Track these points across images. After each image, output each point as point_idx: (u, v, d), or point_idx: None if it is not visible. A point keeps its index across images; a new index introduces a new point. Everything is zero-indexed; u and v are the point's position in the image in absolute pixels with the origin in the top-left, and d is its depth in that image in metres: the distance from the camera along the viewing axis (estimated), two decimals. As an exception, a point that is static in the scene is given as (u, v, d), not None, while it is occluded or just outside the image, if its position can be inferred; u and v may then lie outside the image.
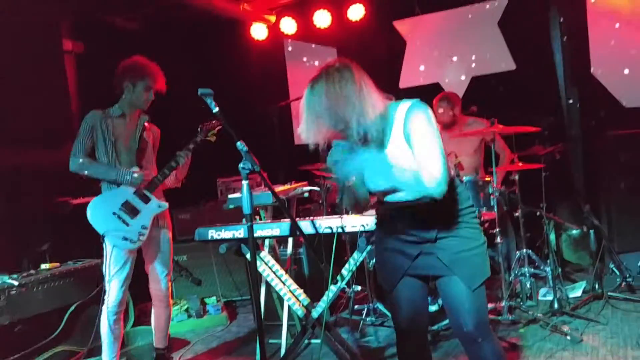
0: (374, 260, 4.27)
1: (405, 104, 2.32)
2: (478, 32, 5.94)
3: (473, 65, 6.00)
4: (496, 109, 4.60)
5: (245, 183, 2.56)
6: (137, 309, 4.67)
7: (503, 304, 4.17)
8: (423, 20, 6.18)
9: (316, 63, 6.61)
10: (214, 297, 5.22)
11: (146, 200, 3.60)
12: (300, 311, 3.66)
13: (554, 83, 5.57)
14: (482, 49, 5.94)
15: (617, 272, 4.65)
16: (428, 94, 5.18)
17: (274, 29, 6.45)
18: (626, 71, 5.34)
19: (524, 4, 5.62)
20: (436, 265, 2.41)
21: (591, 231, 4.81)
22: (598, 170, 5.10)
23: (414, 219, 2.40)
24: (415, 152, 2.28)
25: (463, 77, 6.03)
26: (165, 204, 3.72)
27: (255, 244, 3.13)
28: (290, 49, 6.85)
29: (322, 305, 3.53)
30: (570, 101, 5.50)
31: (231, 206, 3.73)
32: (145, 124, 3.77)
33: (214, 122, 3.71)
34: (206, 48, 6.57)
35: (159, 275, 3.78)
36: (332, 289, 3.46)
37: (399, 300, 2.53)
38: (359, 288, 4.79)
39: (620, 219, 4.83)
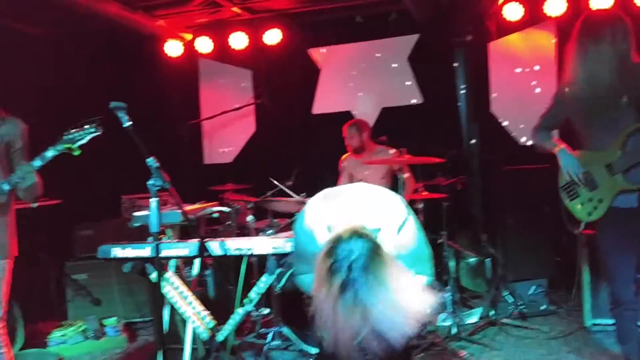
0: (281, 283, 4.29)
1: None
2: (389, 65, 6.20)
3: (383, 96, 6.22)
4: (404, 140, 4.81)
5: (154, 200, 2.51)
6: (27, 329, 4.39)
7: (404, 328, 4.27)
8: (337, 50, 6.36)
9: (230, 83, 6.62)
10: (114, 318, 4.98)
11: None
12: (204, 334, 3.58)
13: (457, 118, 5.87)
14: (392, 82, 6.19)
15: (511, 300, 4.91)
16: (339, 121, 5.33)
17: (189, 47, 6.39)
18: (522, 111, 5.72)
19: (432, 42, 5.94)
20: None
21: (487, 260, 5.08)
22: (494, 203, 5.41)
23: None
24: None
25: (373, 108, 6.23)
26: None
27: (161, 264, 3.04)
28: (204, 68, 6.79)
29: (227, 328, 3.48)
30: (473, 139, 5.81)
31: (137, 224, 3.61)
32: None
33: (78, 130, 2.95)
34: (118, 61, 6.39)
35: None
36: (239, 312, 3.42)
37: None
38: (265, 311, 4.76)
39: (514, 249, 5.10)
